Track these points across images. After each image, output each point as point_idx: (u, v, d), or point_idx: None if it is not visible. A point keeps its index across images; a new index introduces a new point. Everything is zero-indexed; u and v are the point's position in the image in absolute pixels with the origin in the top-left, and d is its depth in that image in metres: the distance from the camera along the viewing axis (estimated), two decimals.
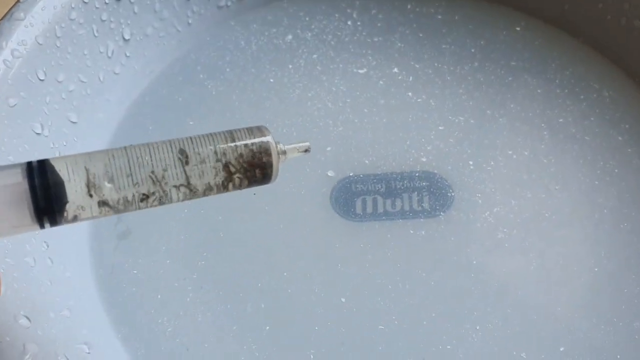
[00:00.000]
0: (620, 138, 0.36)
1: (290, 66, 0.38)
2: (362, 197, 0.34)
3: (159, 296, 0.31)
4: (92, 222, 0.34)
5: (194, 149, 0.19)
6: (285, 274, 0.32)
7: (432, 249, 0.32)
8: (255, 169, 0.20)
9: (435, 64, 0.38)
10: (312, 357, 0.30)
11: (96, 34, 0.35)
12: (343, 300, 0.31)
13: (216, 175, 0.19)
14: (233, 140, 0.20)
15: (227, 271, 0.32)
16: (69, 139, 0.34)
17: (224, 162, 0.19)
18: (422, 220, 0.33)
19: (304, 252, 0.32)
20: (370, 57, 0.39)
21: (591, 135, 0.36)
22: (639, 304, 0.31)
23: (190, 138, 0.20)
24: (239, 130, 0.20)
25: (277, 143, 0.20)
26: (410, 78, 0.38)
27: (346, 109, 0.37)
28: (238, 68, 0.38)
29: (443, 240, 0.33)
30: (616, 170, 0.35)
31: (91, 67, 0.35)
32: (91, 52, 0.35)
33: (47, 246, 0.30)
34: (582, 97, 0.37)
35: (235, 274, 0.32)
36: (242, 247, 0.33)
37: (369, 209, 0.34)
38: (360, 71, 0.38)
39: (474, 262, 0.32)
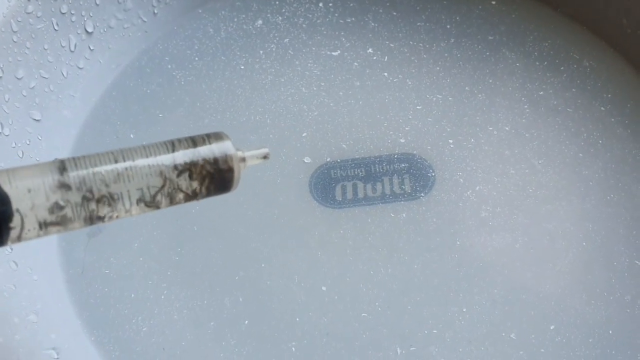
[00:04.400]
0: (602, 108, 0.35)
1: (262, 52, 0.37)
2: (342, 183, 0.33)
3: (133, 295, 0.30)
4: None
5: (144, 159, 0.18)
6: (263, 265, 0.31)
7: (415, 232, 0.31)
8: (215, 178, 0.18)
9: (411, 43, 0.37)
10: (294, 349, 0.29)
11: (56, 28, 0.33)
12: (324, 289, 0.30)
13: (173, 186, 0.18)
14: (190, 147, 0.18)
15: (202, 266, 0.31)
16: (33, 137, 0.32)
17: (179, 171, 0.18)
18: (403, 203, 0.32)
19: (283, 242, 0.31)
20: (343, 39, 0.37)
21: (573, 107, 0.35)
22: (630, 277, 0.30)
23: (144, 147, 0.18)
24: (196, 137, 0.18)
25: (236, 149, 0.19)
26: (386, 58, 0.37)
27: (321, 93, 0.35)
28: (207, 56, 0.37)
29: (425, 223, 0.32)
30: (600, 141, 0.34)
31: (53, 63, 0.33)
32: (52, 47, 0.33)
33: (11, 250, 0.28)
34: (562, 68, 0.36)
35: (211, 268, 0.31)
36: (217, 240, 0.32)
37: (349, 195, 0.33)
38: (334, 53, 0.37)
39: (458, 242, 0.31)
